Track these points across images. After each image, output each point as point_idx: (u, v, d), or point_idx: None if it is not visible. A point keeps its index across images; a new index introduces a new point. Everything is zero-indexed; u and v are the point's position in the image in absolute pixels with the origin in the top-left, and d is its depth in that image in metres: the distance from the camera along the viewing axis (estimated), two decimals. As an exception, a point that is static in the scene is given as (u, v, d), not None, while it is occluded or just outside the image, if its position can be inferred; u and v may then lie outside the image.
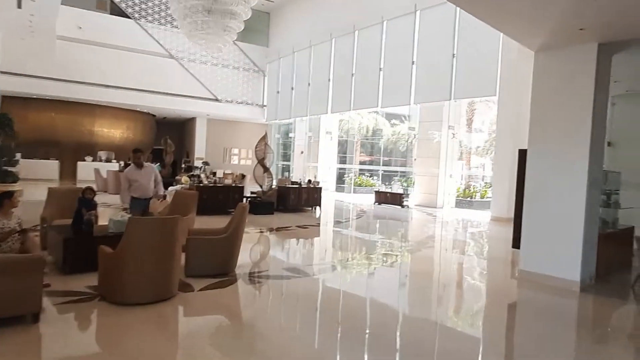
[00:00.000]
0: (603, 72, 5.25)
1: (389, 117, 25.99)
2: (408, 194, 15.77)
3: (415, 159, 18.47)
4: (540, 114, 5.55)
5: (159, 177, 6.32)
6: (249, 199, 11.74)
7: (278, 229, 9.24)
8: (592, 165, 5.18)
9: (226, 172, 14.25)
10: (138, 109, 21.53)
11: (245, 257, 6.29)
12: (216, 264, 5.19)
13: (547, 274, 5.40)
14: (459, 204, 16.73)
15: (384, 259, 7.10)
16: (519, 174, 5.79)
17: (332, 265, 6.35)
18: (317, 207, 13.09)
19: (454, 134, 15.65)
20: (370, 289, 5.54)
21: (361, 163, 26.10)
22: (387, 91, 16.21)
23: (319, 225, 10.57)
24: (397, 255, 7.38)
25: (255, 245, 7.63)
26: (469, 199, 17.24)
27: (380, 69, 16.43)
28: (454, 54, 13.66)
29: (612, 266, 6.08)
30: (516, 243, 5.74)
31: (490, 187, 19.36)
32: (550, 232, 5.40)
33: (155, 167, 6.60)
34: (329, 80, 19.14)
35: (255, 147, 11.58)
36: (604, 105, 5.37)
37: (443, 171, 15.62)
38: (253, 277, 5.36)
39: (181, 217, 4.56)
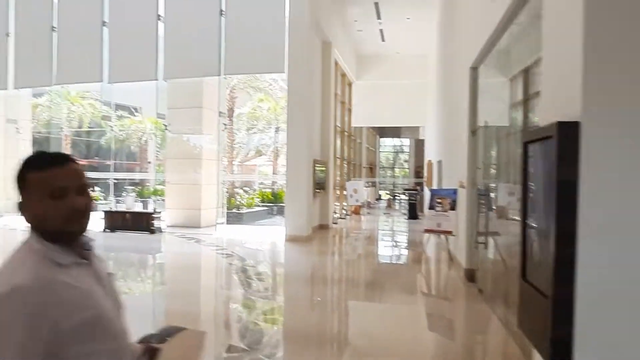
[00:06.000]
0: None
1: (115, 108, 19.61)
2: (159, 212, 10.80)
3: (150, 162, 13.62)
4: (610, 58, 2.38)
5: None
6: None
7: None
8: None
9: None
10: None
11: None
12: None
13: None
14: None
15: None
16: (560, 178, 2.41)
17: None
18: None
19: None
20: None
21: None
22: (117, 59, 10.72)
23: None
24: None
25: None
26: (235, 210, 13.72)
27: (104, 23, 10.74)
28: (222, 11, 9.74)
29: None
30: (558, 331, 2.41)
31: (256, 195, 16.47)
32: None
33: None
34: (7, 35, 11.76)
35: None
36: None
37: (214, 177, 11.48)
38: None
39: None
